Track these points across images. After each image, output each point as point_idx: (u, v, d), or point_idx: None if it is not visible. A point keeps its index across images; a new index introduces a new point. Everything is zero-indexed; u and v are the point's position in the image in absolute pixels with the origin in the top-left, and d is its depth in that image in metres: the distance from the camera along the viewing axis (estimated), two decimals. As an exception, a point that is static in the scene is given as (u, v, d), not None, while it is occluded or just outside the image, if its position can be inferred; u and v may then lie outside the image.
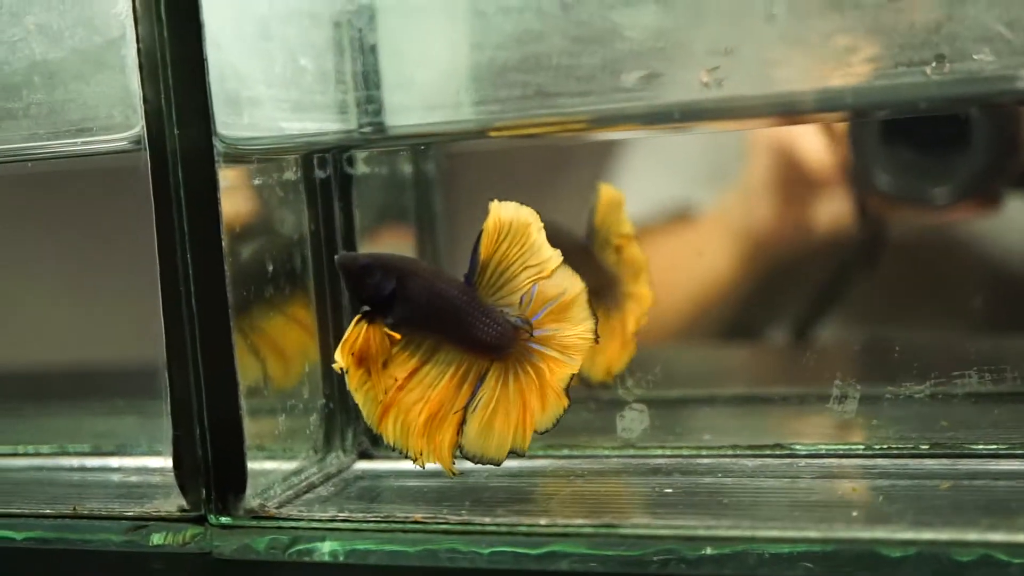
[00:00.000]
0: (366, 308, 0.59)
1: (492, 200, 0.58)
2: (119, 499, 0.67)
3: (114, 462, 0.76)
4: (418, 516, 0.60)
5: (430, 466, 0.60)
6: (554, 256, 0.59)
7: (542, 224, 0.59)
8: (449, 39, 0.63)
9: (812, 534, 0.53)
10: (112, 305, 0.82)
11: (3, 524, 0.66)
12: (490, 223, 0.58)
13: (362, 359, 0.59)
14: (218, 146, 0.61)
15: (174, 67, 0.61)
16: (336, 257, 0.60)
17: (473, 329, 0.59)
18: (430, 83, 0.64)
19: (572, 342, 0.60)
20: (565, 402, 0.60)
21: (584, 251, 0.71)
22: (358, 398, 0.59)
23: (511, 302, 0.59)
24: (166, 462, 0.65)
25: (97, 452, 0.77)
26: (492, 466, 0.61)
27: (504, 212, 0.58)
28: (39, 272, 0.85)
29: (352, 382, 0.59)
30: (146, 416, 0.77)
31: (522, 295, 0.59)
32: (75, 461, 0.77)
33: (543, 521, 0.57)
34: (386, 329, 0.59)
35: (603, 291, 0.71)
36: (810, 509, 0.57)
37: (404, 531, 0.59)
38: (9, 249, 0.82)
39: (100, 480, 0.73)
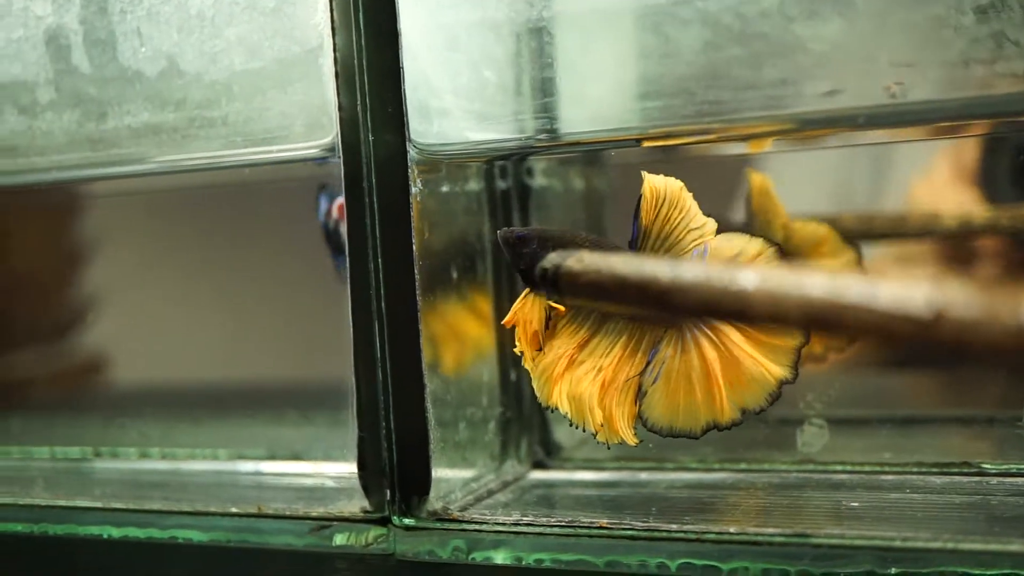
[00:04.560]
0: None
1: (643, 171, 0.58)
2: (301, 501, 0.68)
3: (293, 467, 0.77)
4: (603, 522, 0.59)
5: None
6: (710, 222, 0.58)
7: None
8: (625, 51, 0.63)
9: (1016, 547, 0.52)
10: (296, 320, 0.84)
11: (188, 523, 0.68)
12: (647, 189, 0.58)
13: (530, 334, 0.59)
14: (411, 152, 0.62)
15: (370, 75, 0.62)
16: (498, 232, 0.60)
17: None
18: (604, 93, 0.65)
19: None
20: (778, 372, 0.57)
21: None
22: (532, 374, 0.59)
23: None
24: (341, 468, 0.66)
25: (276, 457, 0.78)
26: (689, 439, 0.58)
27: (657, 180, 0.58)
28: (236, 283, 0.87)
29: (526, 360, 0.59)
30: (323, 425, 0.79)
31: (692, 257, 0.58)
32: (251, 466, 0.79)
33: (732, 529, 0.57)
34: (550, 302, 0.58)
35: None
36: (1011, 524, 0.56)
37: (590, 536, 0.59)
38: (201, 263, 0.84)
39: (282, 484, 0.75)
